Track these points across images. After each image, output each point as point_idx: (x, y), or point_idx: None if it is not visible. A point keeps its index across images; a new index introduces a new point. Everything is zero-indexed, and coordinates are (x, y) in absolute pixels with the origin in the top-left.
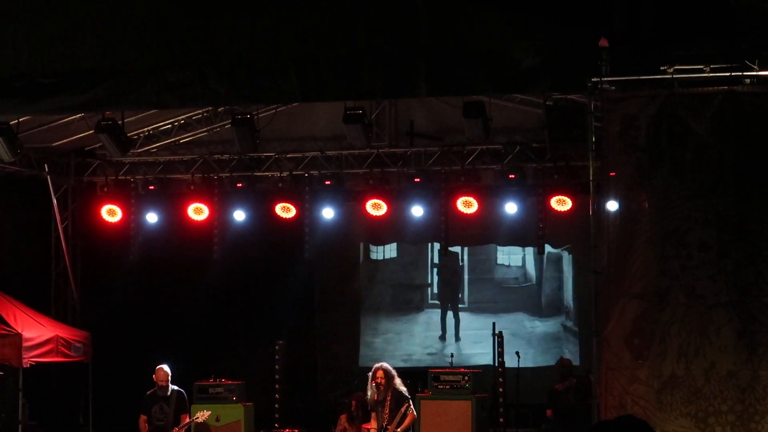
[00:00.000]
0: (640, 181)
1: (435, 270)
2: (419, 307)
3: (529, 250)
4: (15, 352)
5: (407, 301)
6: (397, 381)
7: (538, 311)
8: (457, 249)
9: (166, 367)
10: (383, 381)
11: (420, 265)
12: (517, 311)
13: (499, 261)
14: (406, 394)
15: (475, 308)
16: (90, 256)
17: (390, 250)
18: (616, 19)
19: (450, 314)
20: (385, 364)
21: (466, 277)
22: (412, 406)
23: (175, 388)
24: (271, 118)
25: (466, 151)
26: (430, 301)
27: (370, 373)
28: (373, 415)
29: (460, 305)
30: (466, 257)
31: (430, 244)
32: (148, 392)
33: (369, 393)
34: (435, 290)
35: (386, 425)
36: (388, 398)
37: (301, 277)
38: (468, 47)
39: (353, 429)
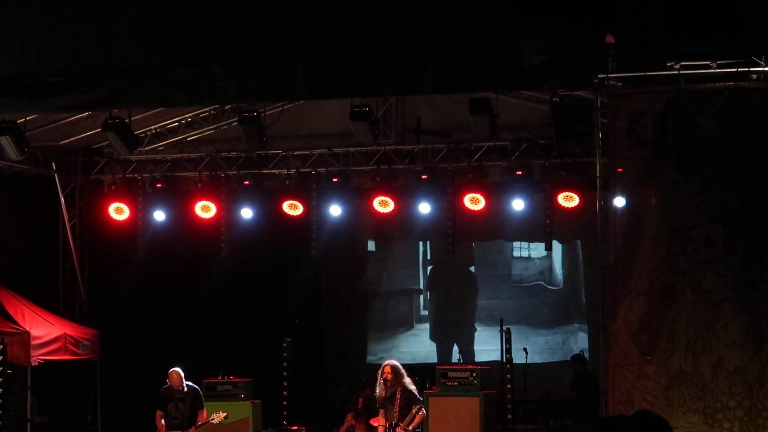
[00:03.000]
0: (646, 177)
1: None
2: (407, 322)
3: None
4: (23, 350)
5: (390, 314)
6: (407, 380)
7: (576, 316)
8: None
9: (179, 370)
10: (390, 377)
11: (407, 263)
12: (546, 323)
13: (516, 254)
14: (418, 395)
15: (486, 317)
16: (97, 254)
17: (394, 244)
18: (623, 15)
19: (455, 352)
20: (394, 361)
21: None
22: (423, 408)
23: (190, 384)
24: (278, 115)
25: (472, 147)
26: (423, 312)
27: (379, 370)
28: (381, 411)
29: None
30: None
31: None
32: (164, 387)
33: (377, 390)
34: (429, 297)
35: (395, 423)
36: (398, 396)
37: (309, 274)
38: (474, 44)
39: (360, 425)
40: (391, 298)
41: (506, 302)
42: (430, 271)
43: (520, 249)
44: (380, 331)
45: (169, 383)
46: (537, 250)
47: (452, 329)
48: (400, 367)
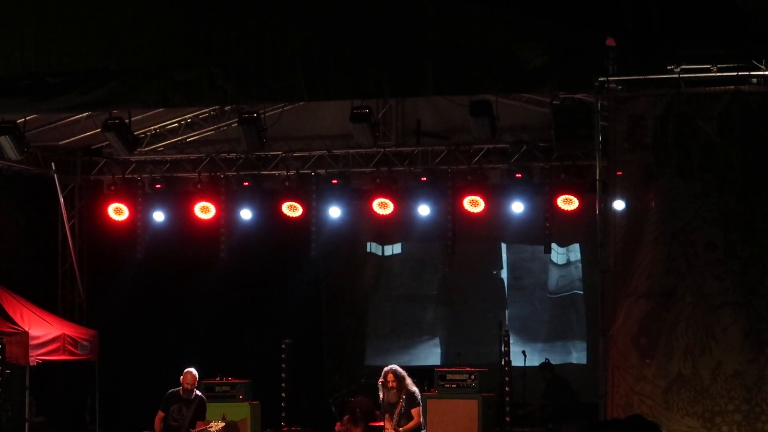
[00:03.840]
0: (646, 181)
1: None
2: (429, 330)
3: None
4: (22, 350)
5: (411, 320)
6: (408, 381)
7: None
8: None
9: (194, 372)
10: (394, 384)
11: (429, 266)
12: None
13: (554, 259)
14: (417, 397)
15: (518, 327)
16: (97, 255)
17: (394, 246)
18: (624, 18)
19: None
20: (395, 366)
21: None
22: (420, 411)
23: (199, 393)
24: (277, 116)
25: (472, 150)
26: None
27: (381, 378)
28: (387, 416)
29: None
30: (504, 254)
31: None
32: (171, 390)
33: (381, 394)
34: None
35: (395, 427)
36: (401, 400)
37: (308, 275)
38: (475, 46)
39: (357, 429)
40: (413, 304)
41: (542, 315)
42: (443, 276)
43: (557, 254)
44: (397, 339)
45: (182, 381)
46: (577, 252)
47: (472, 348)
48: (401, 371)
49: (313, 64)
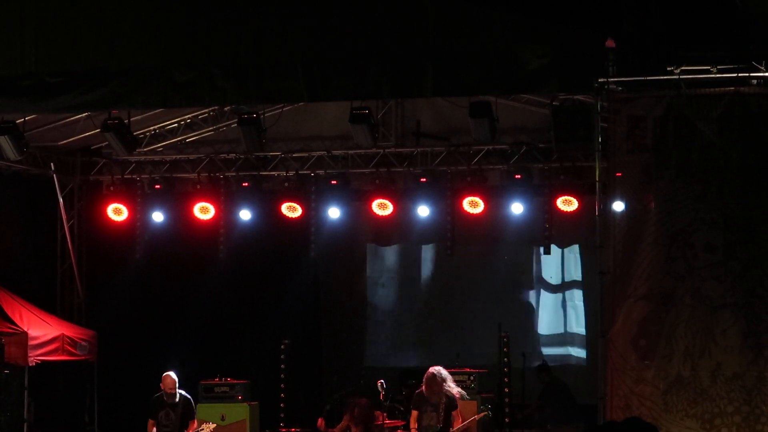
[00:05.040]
0: (646, 182)
1: None
2: (429, 331)
3: None
4: (21, 350)
5: (410, 321)
6: (451, 384)
7: None
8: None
9: (172, 374)
10: (436, 387)
11: (428, 267)
12: None
13: (554, 260)
14: (455, 399)
15: (517, 328)
16: (96, 255)
17: (393, 247)
18: (624, 19)
19: None
20: (438, 368)
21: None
22: (459, 413)
23: (183, 393)
24: (277, 117)
25: (472, 151)
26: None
27: (427, 377)
28: (415, 413)
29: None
30: (578, 255)
31: None
32: (155, 395)
33: (421, 389)
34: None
35: (440, 428)
36: (443, 402)
37: (307, 276)
38: (475, 47)
39: (357, 429)
40: (412, 305)
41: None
42: (442, 277)
43: (557, 255)
44: (396, 340)
45: (162, 387)
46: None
47: (471, 349)
48: (443, 372)
49: (312, 64)
